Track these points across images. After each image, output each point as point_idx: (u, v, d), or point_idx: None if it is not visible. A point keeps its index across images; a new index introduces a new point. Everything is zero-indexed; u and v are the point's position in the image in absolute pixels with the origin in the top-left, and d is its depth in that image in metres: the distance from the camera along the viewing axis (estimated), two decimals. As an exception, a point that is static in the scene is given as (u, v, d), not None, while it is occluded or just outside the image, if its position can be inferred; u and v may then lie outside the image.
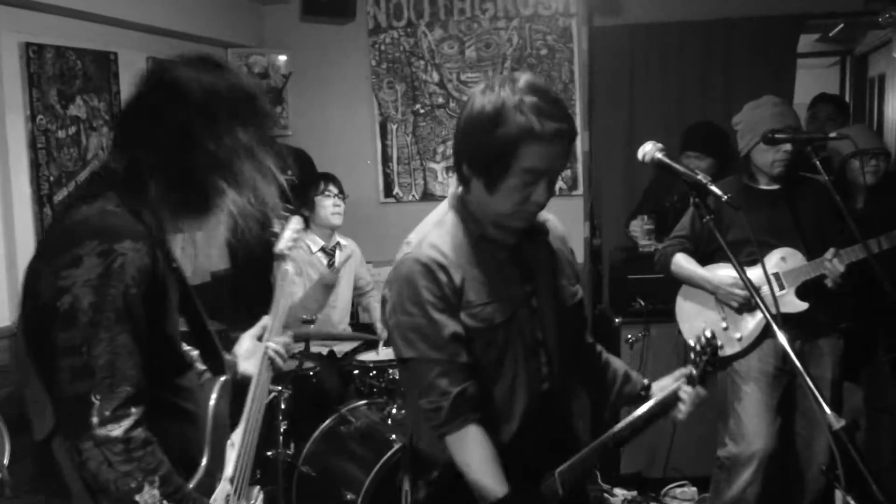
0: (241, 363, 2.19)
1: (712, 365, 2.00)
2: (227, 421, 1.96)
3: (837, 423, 1.63)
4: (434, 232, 1.94)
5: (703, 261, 3.40)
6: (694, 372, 2.02)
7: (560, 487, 1.92)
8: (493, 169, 1.81)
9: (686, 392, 2.02)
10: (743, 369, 3.29)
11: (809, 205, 3.32)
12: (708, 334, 1.99)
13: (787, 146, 3.19)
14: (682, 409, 2.02)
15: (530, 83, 1.81)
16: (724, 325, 3.32)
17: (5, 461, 3.03)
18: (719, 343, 3.17)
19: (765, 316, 1.88)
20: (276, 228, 2.52)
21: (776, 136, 3.19)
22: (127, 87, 4.05)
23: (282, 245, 2.53)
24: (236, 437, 2.02)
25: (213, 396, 1.92)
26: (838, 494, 3.06)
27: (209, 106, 1.72)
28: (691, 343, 2.04)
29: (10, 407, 3.33)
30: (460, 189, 1.97)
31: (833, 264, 3.13)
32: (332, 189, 4.37)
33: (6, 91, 3.38)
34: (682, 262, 3.40)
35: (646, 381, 2.20)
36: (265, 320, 2.31)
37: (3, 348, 3.40)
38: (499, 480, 1.82)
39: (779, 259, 3.27)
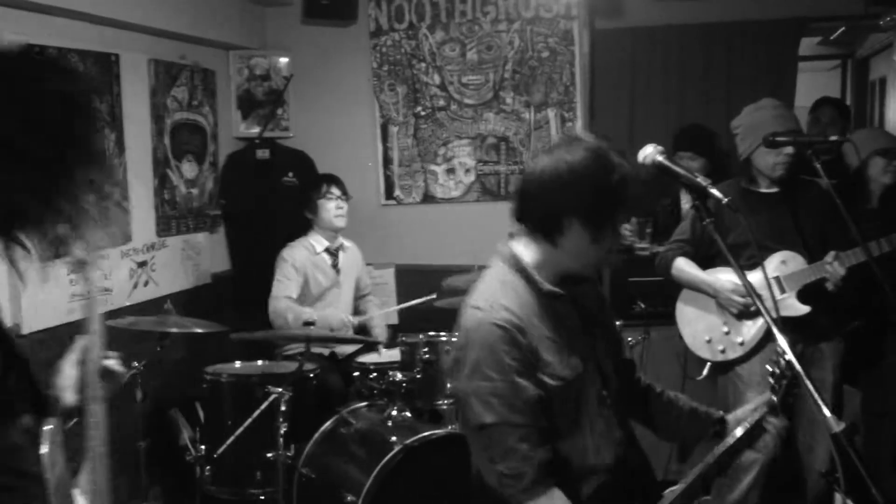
0: (67, 395, 1.88)
1: (793, 395, 1.96)
2: (64, 470, 1.73)
3: (837, 427, 1.63)
4: (501, 292, 1.89)
5: (704, 264, 3.39)
6: (775, 400, 1.98)
7: None
8: (605, 214, 1.83)
9: (771, 423, 2.00)
10: (745, 374, 3.26)
11: (810, 208, 3.30)
12: (783, 360, 1.92)
13: (789, 149, 3.18)
14: (769, 442, 2.00)
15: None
16: (725, 329, 3.29)
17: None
18: (720, 348, 3.19)
19: (766, 321, 1.87)
20: None
21: (777, 139, 3.19)
22: (129, 88, 4.07)
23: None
24: (82, 481, 1.80)
25: (44, 447, 1.65)
26: (838, 498, 3.06)
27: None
28: (769, 368, 2.00)
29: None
30: (514, 246, 1.95)
31: (834, 267, 3.12)
32: (335, 191, 4.38)
33: (8, 92, 3.39)
34: (683, 266, 3.38)
35: (720, 414, 2.16)
36: (83, 341, 1.92)
37: (3, 349, 3.40)
38: None
39: (779, 262, 3.25)
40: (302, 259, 4.33)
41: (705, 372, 3.30)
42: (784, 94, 4.78)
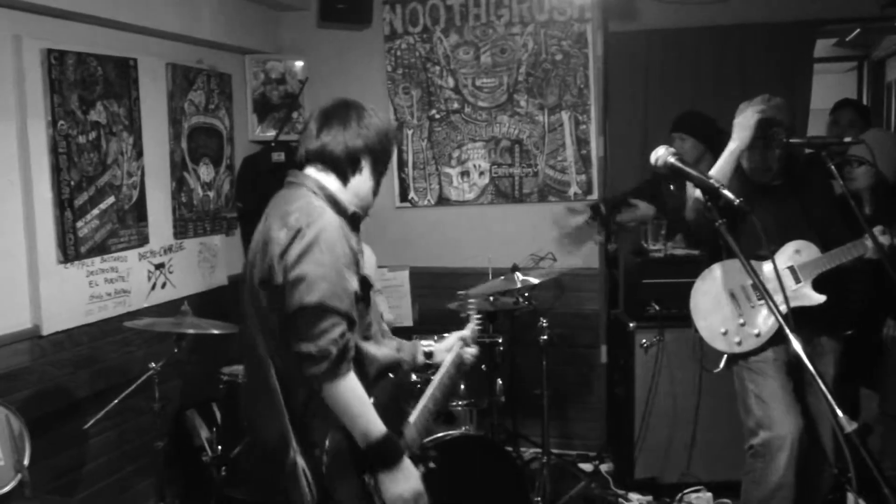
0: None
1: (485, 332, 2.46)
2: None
3: (850, 426, 1.63)
4: (328, 209, 2.20)
5: (715, 256, 3.39)
6: (470, 334, 2.64)
7: (417, 435, 2.25)
8: (385, 161, 2.37)
9: (467, 352, 2.61)
10: (757, 363, 3.27)
11: (814, 197, 3.31)
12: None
13: (782, 145, 3.20)
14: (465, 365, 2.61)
15: None
16: (741, 320, 3.28)
17: (26, 462, 3.07)
18: (737, 339, 3.19)
19: (777, 320, 1.87)
20: None
21: (792, 140, 3.18)
22: (146, 92, 4.11)
23: None
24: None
25: None
26: (850, 497, 3.05)
27: None
28: (473, 314, 2.65)
29: (32, 409, 3.38)
30: (316, 178, 2.27)
31: (882, 240, 3.10)
32: None
33: (28, 97, 3.44)
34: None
35: (429, 349, 2.60)
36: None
37: (23, 350, 3.45)
38: (379, 421, 2.08)
39: (793, 252, 3.25)
40: None
41: (721, 364, 3.28)
42: (799, 97, 4.77)
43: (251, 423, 2.29)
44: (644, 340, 4.31)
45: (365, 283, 2.20)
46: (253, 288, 2.19)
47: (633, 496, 4.32)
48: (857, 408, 4.13)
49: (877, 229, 3.15)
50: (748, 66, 4.79)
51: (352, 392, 2.06)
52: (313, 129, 2.29)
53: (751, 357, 3.28)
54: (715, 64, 4.84)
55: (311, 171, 2.28)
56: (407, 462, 2.14)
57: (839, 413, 1.65)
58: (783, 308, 1.93)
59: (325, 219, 2.13)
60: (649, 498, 4.30)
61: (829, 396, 1.68)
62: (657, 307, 4.29)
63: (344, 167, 2.26)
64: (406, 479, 2.12)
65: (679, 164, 2.06)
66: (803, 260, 3.24)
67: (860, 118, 4.85)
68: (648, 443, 4.31)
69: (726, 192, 1.95)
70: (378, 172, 2.34)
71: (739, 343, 3.25)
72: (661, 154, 2.09)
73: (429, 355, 2.59)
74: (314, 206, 2.17)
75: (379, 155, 2.32)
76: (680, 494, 4.25)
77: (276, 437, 2.14)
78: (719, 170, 3.21)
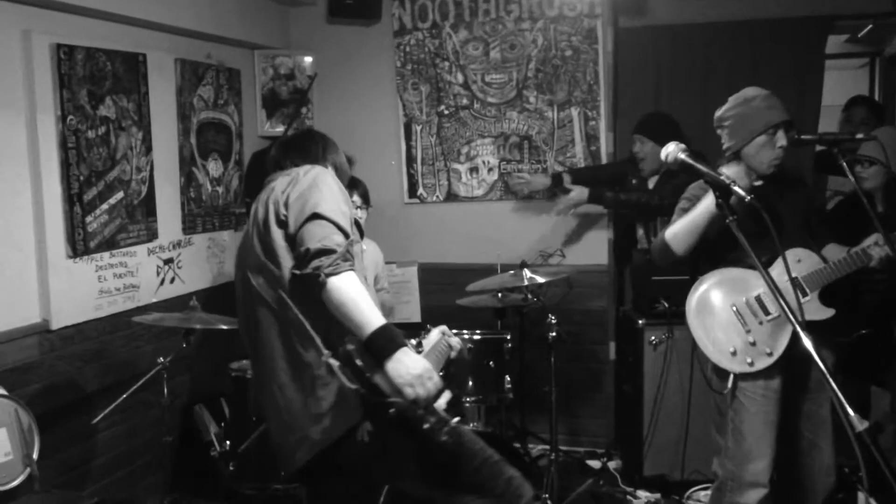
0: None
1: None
2: None
3: (861, 425, 1.62)
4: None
5: (711, 265, 3.17)
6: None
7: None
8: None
9: (454, 340, 2.83)
10: (748, 387, 3.07)
11: (796, 202, 3.17)
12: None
13: (783, 142, 3.02)
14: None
15: None
16: (750, 339, 3.06)
17: (35, 456, 3.08)
18: (748, 360, 3.03)
19: (791, 322, 1.85)
20: None
21: (802, 136, 3.12)
22: (155, 87, 4.11)
23: None
24: None
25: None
26: (861, 497, 3.02)
27: None
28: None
29: (41, 403, 3.39)
30: None
31: (886, 249, 2.96)
32: (356, 199, 4.37)
33: (37, 92, 3.44)
34: (672, 227, 3.07)
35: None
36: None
37: (32, 344, 3.46)
38: (378, 313, 2.21)
39: (794, 261, 3.07)
40: None
41: (730, 385, 3.04)
42: (811, 93, 4.74)
43: (266, 390, 2.42)
44: (653, 337, 4.29)
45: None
46: (260, 248, 2.39)
47: (642, 493, 4.31)
48: (867, 407, 4.10)
49: (872, 238, 3.02)
50: (759, 63, 4.77)
51: (354, 285, 2.21)
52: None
53: (740, 383, 3.08)
54: (725, 60, 4.81)
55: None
56: (409, 348, 2.24)
57: (850, 412, 1.63)
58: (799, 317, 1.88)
59: (318, 168, 2.47)
60: (658, 495, 4.29)
61: (841, 396, 1.67)
62: (666, 304, 4.28)
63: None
64: (412, 360, 2.20)
65: (689, 161, 2.05)
66: (806, 270, 3.07)
67: (873, 116, 4.81)
68: (657, 440, 4.30)
69: (738, 189, 1.95)
70: None
71: (752, 363, 3.03)
72: (671, 150, 2.09)
73: (418, 344, 2.70)
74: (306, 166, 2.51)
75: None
76: (688, 492, 4.23)
77: (311, 364, 2.32)
78: (687, 230, 3.01)
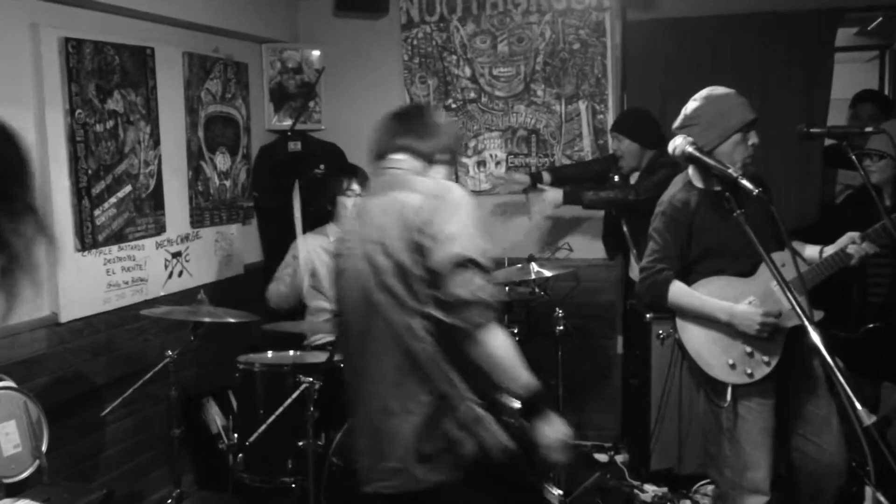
0: None
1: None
2: None
3: (868, 419, 1.61)
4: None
5: (696, 277, 3.10)
6: None
7: None
8: None
9: None
10: (742, 395, 3.02)
11: (765, 207, 3.14)
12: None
13: (755, 140, 2.97)
14: None
15: None
16: (747, 349, 2.98)
17: (44, 448, 3.10)
18: (748, 370, 2.96)
19: (800, 317, 1.84)
20: None
21: (812, 130, 3.09)
22: (163, 81, 4.12)
23: None
24: None
25: None
26: (868, 491, 3.01)
27: None
28: None
29: (50, 396, 3.41)
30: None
31: (863, 247, 2.95)
32: (355, 188, 4.38)
33: (46, 86, 3.45)
34: (683, 295, 3.03)
35: None
36: None
37: (41, 337, 3.47)
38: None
39: (778, 265, 3.07)
40: (310, 247, 4.35)
41: (728, 398, 2.98)
42: (820, 87, 4.72)
43: (366, 406, 2.32)
44: (660, 331, 4.28)
45: None
46: (389, 268, 2.22)
47: (649, 487, 4.31)
48: (877, 401, 4.09)
49: (850, 237, 3.00)
50: (768, 56, 4.74)
51: (506, 339, 2.16)
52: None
53: (738, 396, 3.02)
54: (734, 53, 4.79)
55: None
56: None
57: (858, 406, 1.63)
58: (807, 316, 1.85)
59: (456, 188, 2.27)
60: (665, 489, 4.29)
61: (849, 391, 1.66)
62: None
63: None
64: (558, 423, 2.19)
65: (697, 154, 2.04)
66: (790, 274, 2.89)
67: (881, 112, 4.78)
68: (664, 434, 4.30)
69: (745, 182, 1.94)
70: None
71: (751, 374, 2.98)
72: (678, 143, 2.08)
73: None
74: (434, 179, 2.36)
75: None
76: (695, 486, 4.23)
77: (431, 403, 2.20)
78: (690, 310, 3.02)
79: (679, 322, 3.08)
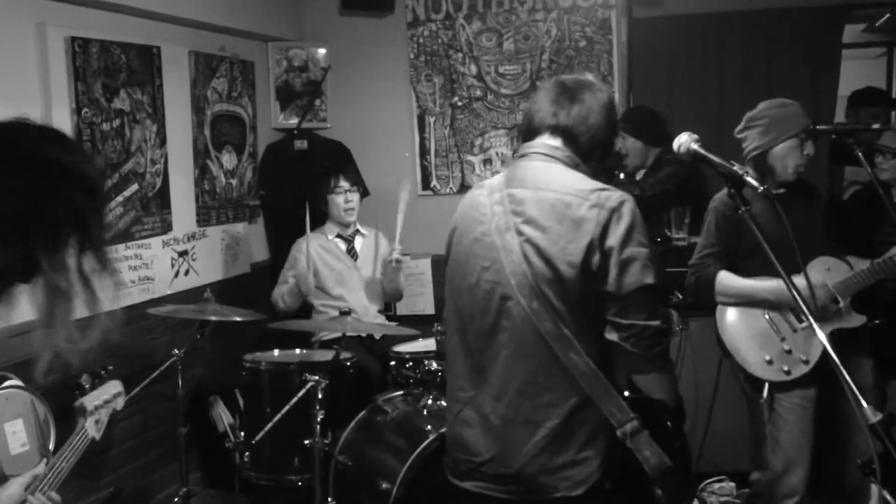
0: None
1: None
2: None
3: (874, 417, 1.61)
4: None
5: (742, 275, 3.15)
6: None
7: None
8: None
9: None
10: (785, 397, 3.05)
11: (815, 213, 3.16)
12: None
13: (811, 150, 3.05)
14: None
15: None
16: (786, 347, 3.02)
17: (51, 446, 3.11)
18: (785, 368, 2.99)
19: (807, 318, 1.83)
20: (85, 382, 2.42)
21: (818, 127, 3.12)
22: (170, 80, 4.12)
23: (88, 401, 2.40)
24: None
25: None
26: (874, 488, 3.00)
27: None
28: None
29: (56, 394, 3.42)
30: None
31: None
32: (343, 184, 4.38)
33: (52, 84, 3.46)
34: (730, 280, 3.07)
35: None
36: (38, 469, 2.16)
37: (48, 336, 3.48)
38: None
39: (823, 269, 3.04)
40: (312, 248, 4.36)
41: (765, 394, 3.02)
42: (827, 83, 4.71)
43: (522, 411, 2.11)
44: (668, 329, 4.27)
45: None
46: (547, 275, 2.04)
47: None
48: (884, 399, 4.07)
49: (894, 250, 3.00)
50: (775, 52, 4.74)
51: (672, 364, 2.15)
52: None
53: (776, 394, 3.07)
54: (741, 50, 4.78)
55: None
56: None
57: (864, 404, 1.62)
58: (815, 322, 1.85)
59: (630, 200, 2.07)
60: (671, 487, 4.27)
61: (854, 388, 1.66)
62: (680, 296, 4.26)
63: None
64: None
65: (702, 151, 2.04)
66: (836, 278, 3.03)
67: (882, 109, 4.76)
68: (671, 432, 4.28)
69: (750, 180, 1.93)
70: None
71: (788, 372, 3.01)
72: (683, 140, 2.07)
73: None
74: (594, 181, 2.12)
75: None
76: (702, 484, 4.22)
77: (566, 416, 2.06)
78: (740, 296, 3.08)
79: (719, 317, 3.14)
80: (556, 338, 2.01)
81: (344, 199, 4.40)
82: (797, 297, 1.86)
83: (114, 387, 2.45)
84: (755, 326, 3.06)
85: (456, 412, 2.24)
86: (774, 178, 3.10)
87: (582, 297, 2.03)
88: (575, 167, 2.13)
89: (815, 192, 3.26)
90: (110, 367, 2.50)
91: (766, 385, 3.02)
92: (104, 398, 2.39)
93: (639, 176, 4.45)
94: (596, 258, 2.00)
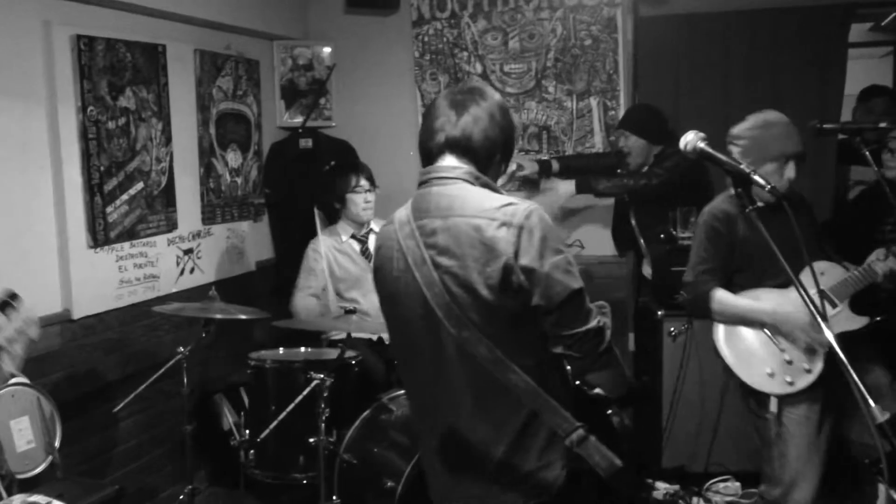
0: None
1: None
2: None
3: (881, 417, 1.61)
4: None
5: (734, 289, 3.11)
6: None
7: None
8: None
9: None
10: (792, 411, 2.99)
11: (804, 220, 3.09)
12: None
13: (792, 174, 2.98)
14: None
15: None
16: (787, 357, 2.97)
17: (57, 444, 3.12)
18: (788, 379, 2.93)
19: (813, 314, 1.83)
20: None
21: (825, 126, 3.09)
22: (175, 78, 4.13)
23: None
24: None
25: None
26: (881, 488, 2.99)
27: None
28: None
29: (63, 392, 3.43)
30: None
31: (888, 263, 2.95)
32: (363, 184, 4.37)
33: (58, 83, 3.46)
34: (727, 299, 3.03)
35: None
36: None
37: (54, 333, 3.49)
38: None
39: (818, 274, 2.92)
40: (325, 250, 4.35)
41: (773, 407, 2.95)
42: (833, 83, 4.69)
43: (473, 431, 2.09)
44: (672, 329, 4.27)
45: None
46: (471, 303, 1.98)
47: (660, 485, 4.30)
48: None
49: (877, 253, 2.99)
50: (781, 51, 4.72)
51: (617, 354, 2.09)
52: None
53: (783, 408, 3.00)
54: (747, 49, 4.76)
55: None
56: None
57: (871, 403, 1.62)
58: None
59: (529, 204, 2.01)
60: (676, 487, 4.27)
61: (862, 388, 1.65)
62: (685, 295, 4.25)
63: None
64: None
65: (709, 150, 2.03)
66: (832, 281, 3.02)
67: (894, 105, 4.75)
68: (676, 431, 4.29)
69: (757, 178, 1.93)
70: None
71: (792, 383, 2.95)
72: (690, 139, 2.07)
73: None
74: (506, 197, 2.06)
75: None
76: (707, 484, 4.22)
77: (518, 431, 2.04)
78: (736, 317, 3.02)
79: (715, 332, 3.07)
80: (492, 362, 1.97)
81: (363, 198, 4.37)
82: (807, 301, 1.85)
83: (24, 312, 2.29)
84: (753, 339, 3.01)
85: (422, 448, 2.28)
86: (751, 198, 3.03)
87: (512, 316, 1.98)
88: (476, 181, 2.07)
89: (801, 201, 3.22)
90: (17, 295, 2.35)
91: (775, 400, 2.96)
92: (15, 328, 2.25)
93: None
94: (515, 277, 1.94)
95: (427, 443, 2.22)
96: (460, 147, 2.07)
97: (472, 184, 2.06)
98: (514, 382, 1.96)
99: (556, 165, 4.62)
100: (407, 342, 2.18)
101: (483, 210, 1.98)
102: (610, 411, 2.13)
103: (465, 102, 2.08)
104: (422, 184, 2.12)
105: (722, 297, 3.03)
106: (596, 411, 2.08)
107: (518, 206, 1.98)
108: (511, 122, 2.15)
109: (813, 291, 2.84)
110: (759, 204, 2.91)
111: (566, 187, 4.40)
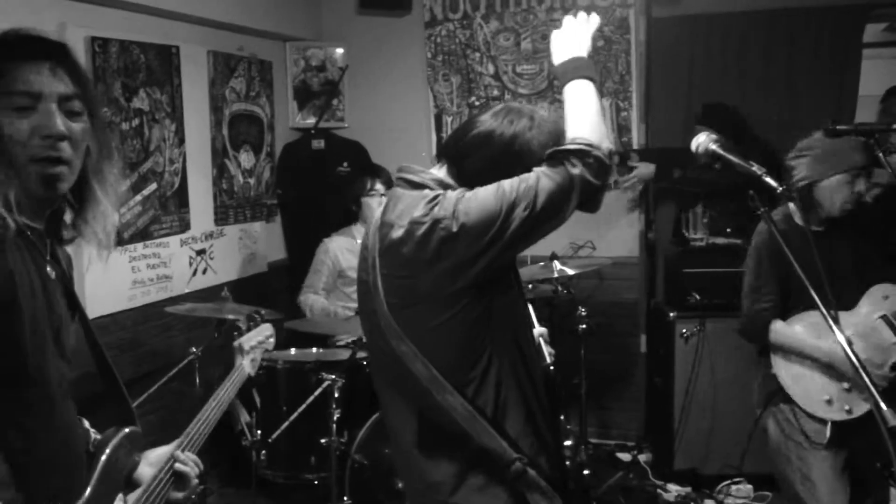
0: (143, 467, 1.90)
1: None
2: (121, 476, 1.80)
3: (893, 420, 1.60)
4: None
5: (793, 310, 2.98)
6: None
7: None
8: None
9: None
10: (813, 432, 2.88)
11: (863, 244, 2.99)
12: None
13: (862, 187, 2.85)
14: None
15: None
16: (845, 385, 2.85)
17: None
18: (846, 407, 2.83)
19: (829, 326, 1.81)
20: (243, 324, 2.54)
21: (839, 127, 3.04)
22: (188, 79, 4.15)
23: (245, 341, 2.47)
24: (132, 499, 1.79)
25: (113, 442, 1.82)
26: (893, 493, 2.96)
27: None
28: None
29: (77, 391, 3.44)
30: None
31: None
32: (379, 187, 4.36)
33: (73, 84, 3.48)
34: (785, 333, 2.93)
35: None
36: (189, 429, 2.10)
37: (68, 334, 3.51)
38: None
39: (881, 298, 2.89)
40: (337, 250, 4.35)
41: (828, 434, 2.83)
42: (848, 83, 4.65)
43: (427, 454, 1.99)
44: (684, 330, 4.26)
45: None
46: (410, 311, 1.89)
47: (672, 487, 4.29)
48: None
49: None
50: (795, 52, 4.69)
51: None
52: None
53: (804, 427, 2.91)
54: (761, 49, 4.74)
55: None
56: None
57: (884, 407, 1.61)
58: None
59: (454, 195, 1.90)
60: (688, 489, 4.26)
61: (875, 391, 1.64)
62: (698, 297, 4.24)
63: None
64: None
65: (721, 151, 2.02)
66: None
67: None
68: (688, 433, 4.27)
69: (769, 180, 1.91)
70: None
71: (850, 410, 2.85)
72: (701, 141, 2.06)
73: None
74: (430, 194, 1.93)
75: None
76: (720, 486, 4.20)
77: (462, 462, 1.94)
78: (793, 348, 2.91)
79: (773, 357, 2.98)
80: (429, 380, 1.86)
81: (378, 202, 4.38)
82: (832, 324, 1.83)
83: (267, 329, 2.59)
84: (815, 366, 2.91)
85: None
86: (819, 214, 2.91)
87: (445, 326, 1.86)
88: (438, 184, 1.95)
89: (871, 216, 3.06)
90: (264, 312, 2.71)
91: (829, 425, 2.85)
92: (258, 339, 2.52)
93: None
94: (445, 279, 1.84)
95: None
96: (449, 157, 2.04)
97: (425, 188, 1.96)
98: (451, 404, 1.85)
99: (634, 156, 4.77)
100: (371, 357, 2.17)
101: (417, 215, 1.87)
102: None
103: (488, 117, 2.07)
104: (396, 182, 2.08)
105: (780, 330, 2.93)
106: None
107: (441, 202, 1.86)
108: (515, 153, 2.03)
109: (875, 316, 2.85)
110: (817, 228, 2.89)
111: (646, 169, 4.58)
